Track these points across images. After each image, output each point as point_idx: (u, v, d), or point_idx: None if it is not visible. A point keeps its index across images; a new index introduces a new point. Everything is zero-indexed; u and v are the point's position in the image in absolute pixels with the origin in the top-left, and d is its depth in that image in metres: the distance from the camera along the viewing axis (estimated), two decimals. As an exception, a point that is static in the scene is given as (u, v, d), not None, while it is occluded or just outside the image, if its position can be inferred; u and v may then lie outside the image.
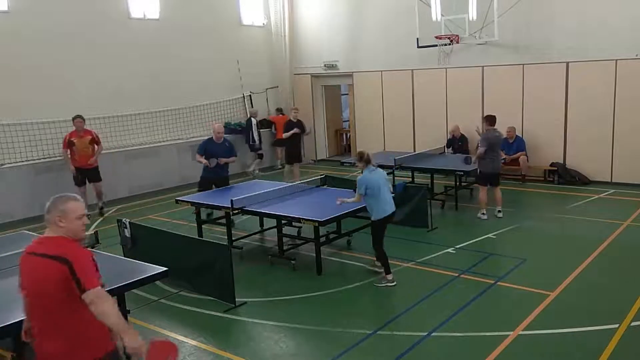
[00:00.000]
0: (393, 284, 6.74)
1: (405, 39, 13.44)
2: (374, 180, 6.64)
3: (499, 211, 9.51)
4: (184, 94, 13.80)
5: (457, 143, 12.82)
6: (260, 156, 15.03)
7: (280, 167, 15.73)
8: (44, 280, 3.17)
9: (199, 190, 9.61)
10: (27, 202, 10.71)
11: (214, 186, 9.50)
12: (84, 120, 10.65)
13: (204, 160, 9.44)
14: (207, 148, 9.53)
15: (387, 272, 6.79)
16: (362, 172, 6.75)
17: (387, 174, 10.90)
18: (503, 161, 11.65)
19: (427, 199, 9.01)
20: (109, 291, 4.90)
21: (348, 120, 17.26)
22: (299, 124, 12.61)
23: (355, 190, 6.93)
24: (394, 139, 14.55)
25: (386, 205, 6.72)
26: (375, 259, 7.17)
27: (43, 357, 3.33)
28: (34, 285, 3.25)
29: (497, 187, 9.48)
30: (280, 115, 15.69)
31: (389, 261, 6.84)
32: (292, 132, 12.38)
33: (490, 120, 9.32)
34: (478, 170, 9.49)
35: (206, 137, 10.11)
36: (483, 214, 9.41)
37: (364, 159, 6.68)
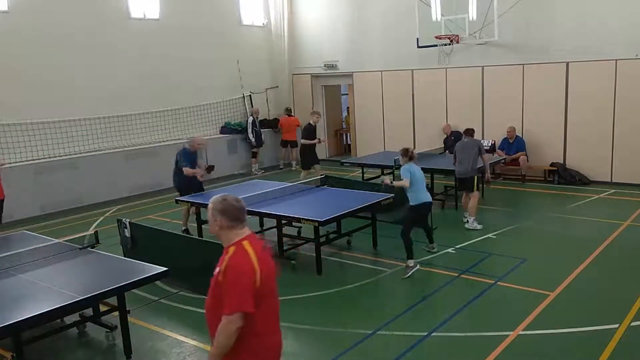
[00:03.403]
0: (417, 267, 6.98)
1: (405, 39, 13.43)
2: (415, 171, 7.20)
3: (465, 216, 9.21)
4: (184, 94, 13.81)
5: (451, 139, 12.78)
6: (253, 154, 15.03)
7: (281, 167, 15.72)
8: None
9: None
10: (27, 202, 10.73)
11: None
12: None
13: (193, 171, 8.86)
14: (191, 160, 9.01)
15: (410, 257, 6.99)
16: (403, 165, 7.33)
17: (387, 173, 11.07)
18: (501, 161, 11.70)
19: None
20: (108, 291, 4.93)
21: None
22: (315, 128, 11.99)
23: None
24: (394, 138, 14.52)
25: (422, 193, 7.22)
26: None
27: None
28: None
29: (470, 192, 8.98)
30: (291, 116, 15.54)
31: (390, 261, 6.87)
32: (316, 140, 11.67)
33: (465, 132, 9.36)
34: None
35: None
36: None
37: (409, 155, 7.30)
